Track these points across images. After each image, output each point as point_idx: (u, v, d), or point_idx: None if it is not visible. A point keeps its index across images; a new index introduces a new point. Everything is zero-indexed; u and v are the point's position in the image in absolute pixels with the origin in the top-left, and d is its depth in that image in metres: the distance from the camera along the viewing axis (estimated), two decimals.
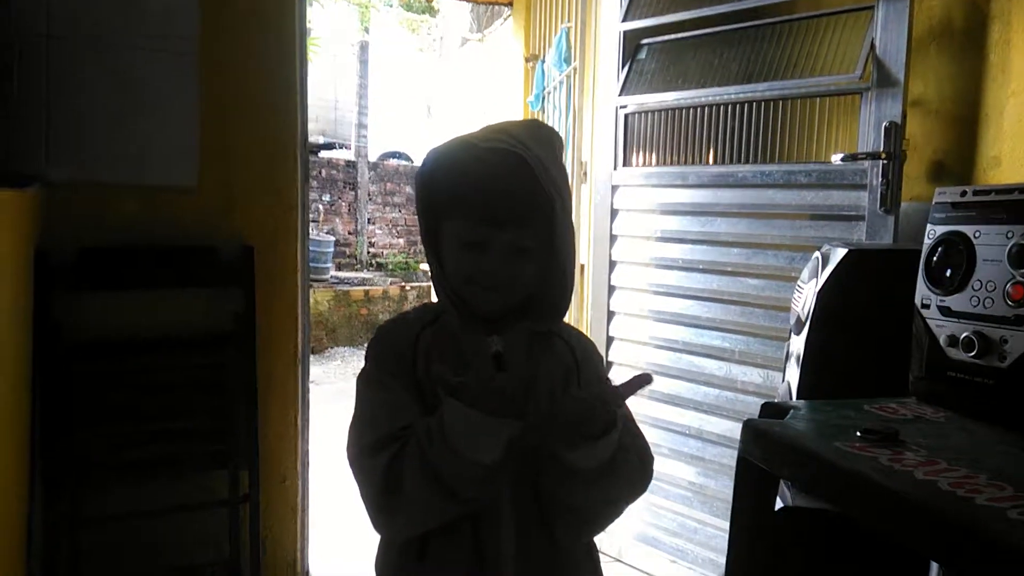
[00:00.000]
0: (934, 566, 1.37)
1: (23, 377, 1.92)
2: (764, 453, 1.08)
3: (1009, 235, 1.08)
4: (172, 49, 2.09)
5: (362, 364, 0.99)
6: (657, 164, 2.53)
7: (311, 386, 2.48)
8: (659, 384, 2.46)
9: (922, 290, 1.22)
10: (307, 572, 2.40)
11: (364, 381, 0.96)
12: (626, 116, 2.59)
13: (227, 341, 2.18)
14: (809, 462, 0.96)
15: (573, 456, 0.87)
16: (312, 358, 6.91)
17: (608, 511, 0.95)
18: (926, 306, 1.20)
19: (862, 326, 1.54)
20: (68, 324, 2.04)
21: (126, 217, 2.11)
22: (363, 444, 0.90)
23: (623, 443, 0.92)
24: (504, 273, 0.92)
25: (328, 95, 12.64)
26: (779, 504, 1.45)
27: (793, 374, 1.68)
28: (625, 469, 0.92)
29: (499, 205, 0.91)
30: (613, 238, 2.61)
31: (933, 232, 1.21)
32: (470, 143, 0.94)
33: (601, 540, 2.74)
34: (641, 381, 0.87)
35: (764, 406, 1.22)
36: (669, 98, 2.44)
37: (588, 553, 1.04)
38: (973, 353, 1.09)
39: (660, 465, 2.36)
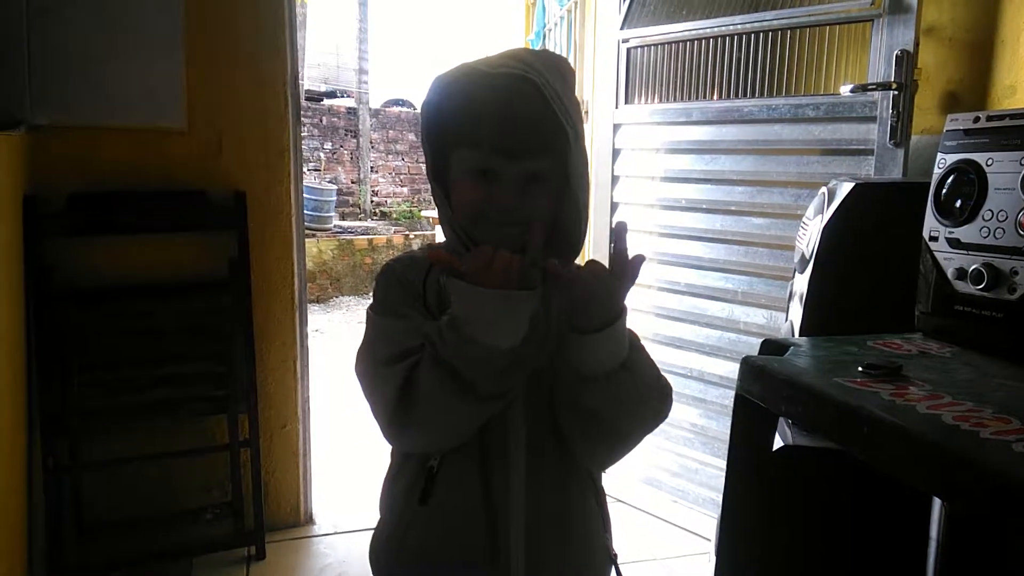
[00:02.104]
0: (936, 503, 1.36)
1: (17, 323, 1.90)
2: (762, 390, 1.05)
3: (1023, 162, 1.03)
4: None
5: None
6: (660, 101, 2.45)
7: (315, 335, 2.47)
8: (661, 326, 2.43)
9: (931, 222, 1.17)
10: (311, 515, 2.42)
11: (375, 309, 0.92)
12: (628, 51, 2.51)
13: (222, 286, 2.16)
14: (808, 398, 0.93)
15: (584, 360, 0.84)
16: (317, 307, 6.95)
17: (626, 421, 0.90)
18: (934, 239, 1.16)
19: (868, 263, 1.50)
20: (60, 270, 2.02)
21: (115, 162, 2.06)
22: (377, 357, 0.86)
23: (635, 361, 0.88)
24: (517, 206, 0.87)
25: (329, 41, 12.41)
26: (779, 444, 1.43)
27: (796, 313, 1.64)
28: (640, 379, 0.88)
29: (511, 133, 0.86)
30: (615, 178, 2.56)
31: (944, 161, 1.16)
32: (479, 69, 0.88)
33: (604, 482, 2.75)
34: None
35: (764, 343, 1.19)
36: (673, 30, 2.35)
37: (599, 500, 1.01)
38: (982, 286, 1.05)
39: None
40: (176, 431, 2.16)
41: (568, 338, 0.85)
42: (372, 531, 1.01)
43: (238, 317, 2.17)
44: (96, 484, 2.10)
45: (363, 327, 0.93)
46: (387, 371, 0.84)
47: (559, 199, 0.91)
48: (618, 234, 0.85)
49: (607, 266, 0.85)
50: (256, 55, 2.16)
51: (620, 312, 0.85)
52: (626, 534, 2.36)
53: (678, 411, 2.38)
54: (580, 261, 0.95)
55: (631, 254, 0.85)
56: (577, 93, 3.08)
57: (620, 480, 2.58)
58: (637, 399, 0.88)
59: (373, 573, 0.99)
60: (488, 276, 0.79)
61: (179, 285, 2.14)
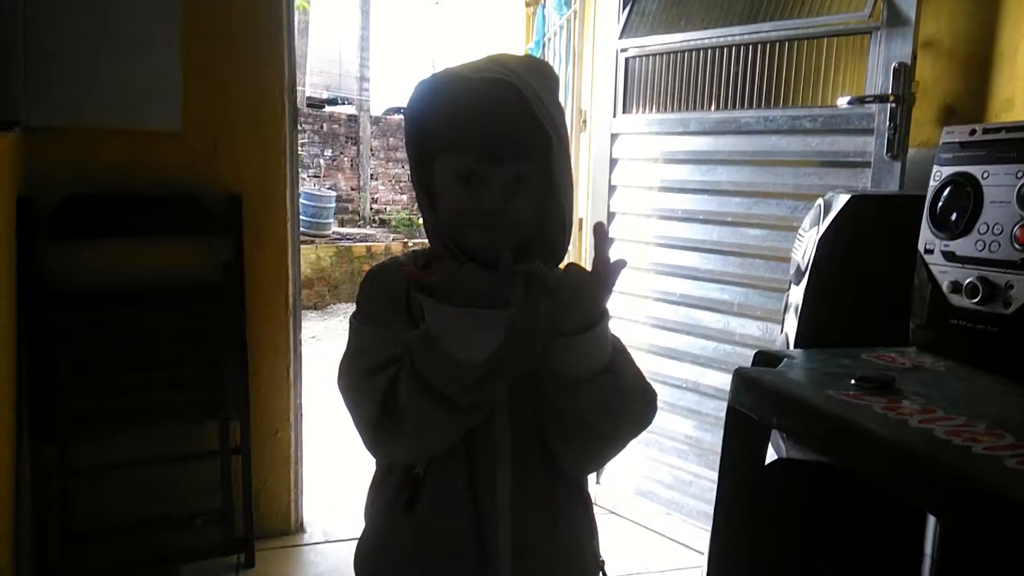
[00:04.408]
0: (931, 519, 1.34)
1: (7, 326, 1.89)
2: (754, 402, 1.04)
3: (1019, 174, 1.02)
4: None
5: None
6: (658, 111, 2.45)
7: (312, 341, 2.46)
8: (657, 337, 2.42)
9: (926, 235, 1.16)
10: (302, 523, 2.40)
11: (358, 317, 0.92)
12: (627, 60, 2.50)
13: (216, 291, 2.14)
14: (800, 411, 0.92)
15: (568, 363, 0.83)
16: (314, 314, 6.94)
17: (610, 425, 0.89)
18: (929, 251, 1.15)
19: (864, 275, 1.49)
20: (53, 273, 2.00)
21: (110, 163, 2.05)
22: (360, 368, 0.86)
23: (618, 364, 0.87)
24: (501, 211, 0.87)
25: (332, 49, 12.45)
26: (774, 456, 1.42)
27: (791, 325, 1.63)
28: (624, 382, 0.88)
29: (496, 137, 0.86)
30: (612, 188, 2.55)
31: (939, 173, 1.15)
32: (463, 74, 0.88)
33: (597, 494, 2.72)
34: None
35: (757, 355, 1.18)
36: (671, 40, 2.35)
37: (585, 507, 1.00)
38: (977, 299, 1.04)
39: (656, 419, 2.34)
40: (167, 436, 2.14)
41: (551, 342, 0.84)
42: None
43: (231, 322, 2.15)
44: (85, 489, 2.07)
45: (349, 320, 0.93)
46: (368, 383, 0.84)
47: (543, 203, 0.91)
48: (598, 237, 0.84)
49: (589, 269, 0.84)
50: (253, 59, 2.15)
51: (603, 314, 0.84)
52: (619, 547, 2.34)
53: (672, 422, 2.37)
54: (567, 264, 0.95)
55: (613, 258, 0.84)
56: (575, 102, 3.07)
57: (613, 492, 2.56)
58: (620, 402, 0.88)
59: None
60: (457, 293, 0.78)
61: (173, 289, 2.12)
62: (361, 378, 0.85)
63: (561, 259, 0.96)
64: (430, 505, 0.89)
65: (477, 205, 0.87)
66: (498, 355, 0.81)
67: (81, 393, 2.02)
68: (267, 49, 2.16)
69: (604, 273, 0.83)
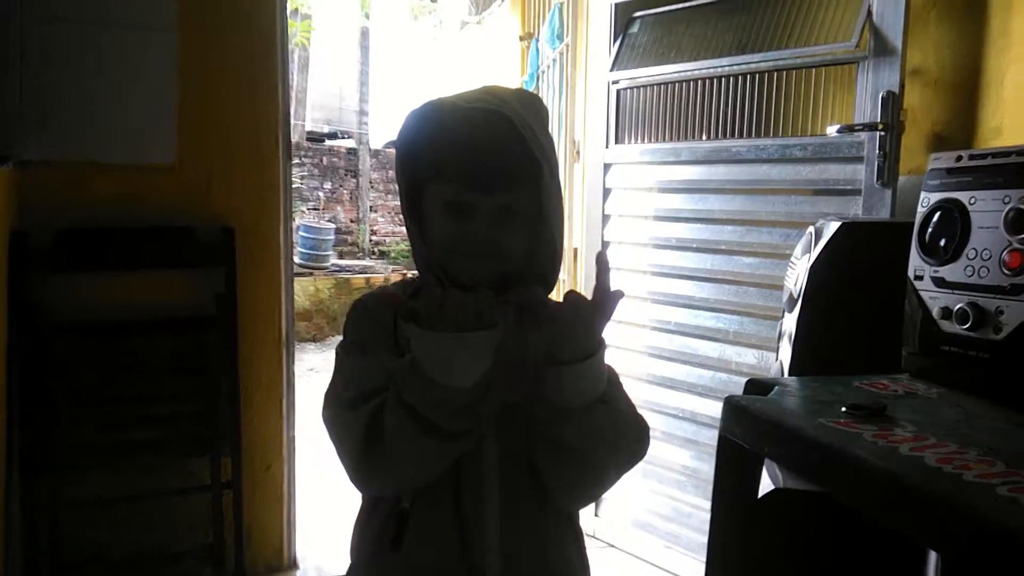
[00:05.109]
0: (932, 552, 1.32)
1: None
2: (744, 431, 1.03)
3: (1006, 200, 1.02)
4: (149, 25, 2.03)
5: None
6: (650, 141, 2.46)
7: (310, 374, 2.44)
8: (653, 367, 2.40)
9: (915, 261, 1.16)
10: (294, 560, 2.36)
11: (344, 349, 0.91)
12: (618, 92, 2.52)
13: (209, 324, 2.14)
14: (790, 439, 0.91)
15: (563, 392, 0.82)
16: (312, 346, 6.90)
17: (603, 455, 0.87)
18: (919, 278, 1.15)
19: (855, 303, 1.48)
20: (45, 305, 2.00)
21: (104, 197, 2.06)
22: (343, 399, 0.85)
23: (612, 395, 0.87)
24: (491, 240, 0.87)
25: (332, 84, 12.58)
26: (770, 486, 1.40)
27: (786, 353, 1.62)
28: (617, 413, 0.87)
29: (485, 166, 0.86)
30: (606, 218, 2.55)
31: (927, 200, 1.15)
32: (455, 103, 0.89)
33: (595, 527, 2.67)
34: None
35: (748, 383, 1.17)
36: (662, 71, 2.37)
37: (576, 537, 0.98)
38: (967, 325, 1.03)
39: (654, 449, 2.32)
40: (158, 470, 2.12)
41: (547, 371, 0.83)
42: None
43: (224, 354, 2.14)
44: (75, 522, 2.04)
45: (336, 351, 0.92)
46: (351, 415, 0.83)
47: (533, 233, 0.90)
48: (600, 266, 0.83)
49: (588, 298, 0.84)
50: (248, 93, 2.17)
51: (600, 344, 0.84)
52: None
53: (670, 453, 2.34)
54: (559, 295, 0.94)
55: (612, 288, 0.83)
56: (568, 133, 3.09)
57: (612, 525, 2.52)
58: (614, 433, 0.87)
59: None
60: (441, 318, 0.78)
61: (166, 321, 2.12)
62: (345, 410, 0.84)
63: (551, 288, 0.95)
64: (417, 539, 0.87)
65: (466, 234, 0.87)
66: (485, 381, 0.80)
67: (73, 425, 2.00)
68: (262, 83, 2.18)
69: (604, 302, 0.82)
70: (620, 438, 0.88)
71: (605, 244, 2.56)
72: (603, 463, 0.89)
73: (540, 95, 3.31)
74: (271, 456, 2.28)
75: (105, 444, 2.03)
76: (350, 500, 0.96)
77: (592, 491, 0.96)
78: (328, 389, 0.88)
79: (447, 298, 0.79)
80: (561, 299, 0.85)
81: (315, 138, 11.38)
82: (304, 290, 7.28)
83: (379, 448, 0.81)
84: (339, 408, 0.85)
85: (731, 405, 1.05)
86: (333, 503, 2.74)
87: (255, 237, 2.20)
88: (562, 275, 2.59)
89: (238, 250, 2.16)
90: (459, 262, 0.88)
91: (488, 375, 0.80)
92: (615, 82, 2.52)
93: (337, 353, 0.91)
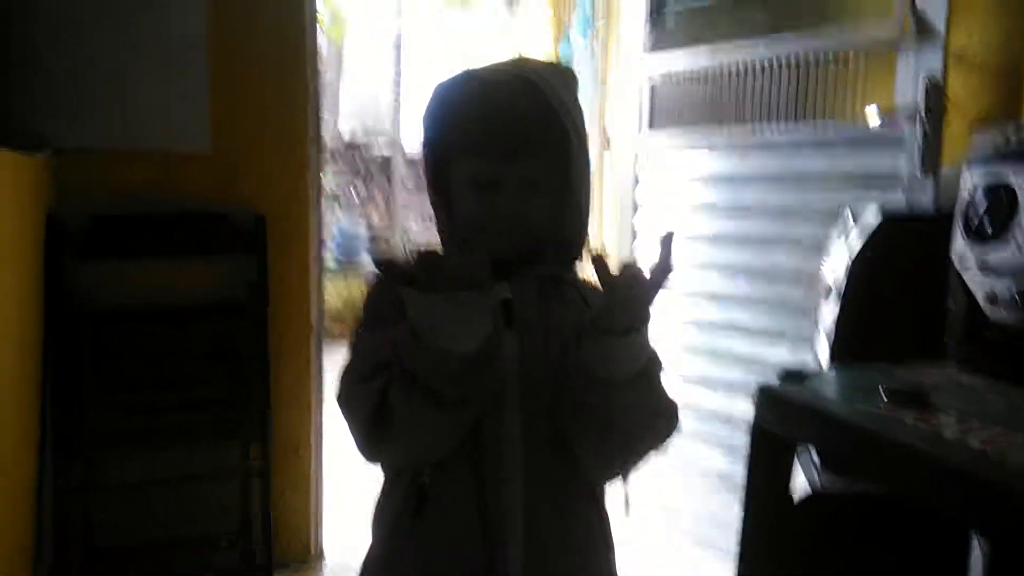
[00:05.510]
0: (976, 552, 1.27)
1: (34, 344, 1.91)
2: (780, 418, 1.00)
3: None
4: (180, 10, 2.05)
5: None
6: (682, 128, 2.42)
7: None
8: (685, 364, 2.36)
9: (959, 245, 1.12)
10: (320, 546, 2.37)
11: (359, 327, 0.90)
12: (650, 77, 2.49)
13: (240, 311, 2.15)
14: (827, 424, 0.88)
15: (607, 363, 0.81)
16: (344, 346, 7.05)
17: (637, 430, 0.86)
18: (963, 262, 1.10)
19: (897, 300, 1.43)
20: (79, 291, 2.02)
21: (139, 184, 2.08)
22: (356, 374, 0.85)
23: (653, 372, 0.85)
24: (517, 214, 0.86)
25: (366, 86, 12.66)
26: (806, 488, 1.35)
27: (823, 348, 1.58)
28: (655, 389, 0.86)
29: (511, 133, 0.85)
30: (636, 206, 2.52)
31: (972, 180, 1.11)
32: (479, 74, 0.89)
33: (625, 528, 2.63)
34: (668, 239, 0.79)
35: (783, 372, 1.14)
36: (696, 55, 2.32)
37: (600, 518, 0.96)
38: (1015, 310, 0.99)
39: (687, 447, 2.27)
40: (188, 456, 2.13)
41: (593, 340, 0.81)
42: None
43: (254, 342, 2.15)
44: (106, 507, 2.07)
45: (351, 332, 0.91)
46: (362, 389, 0.82)
47: (559, 202, 0.89)
48: (666, 244, 0.80)
49: (647, 272, 0.81)
50: (279, 81, 2.18)
51: (648, 317, 0.82)
52: None
53: (701, 452, 2.29)
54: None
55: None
56: (599, 121, 3.04)
57: (643, 526, 2.49)
58: (651, 408, 0.86)
59: None
60: (438, 282, 0.76)
61: (197, 308, 2.13)
62: (355, 386, 0.83)
63: (576, 259, 0.93)
64: (438, 517, 0.86)
65: (493, 211, 0.86)
66: (486, 348, 0.78)
67: (105, 410, 2.03)
68: (292, 72, 2.19)
69: (659, 279, 0.80)
70: (655, 414, 0.87)
71: (634, 233, 2.53)
72: (637, 437, 0.88)
73: None
74: (299, 442, 2.29)
75: (136, 429, 2.05)
76: (376, 493, 0.95)
77: (624, 463, 0.92)
78: (342, 367, 0.87)
79: (443, 261, 0.77)
80: (617, 271, 0.82)
81: (351, 144, 11.52)
82: (337, 291, 7.33)
83: (387, 421, 0.80)
84: (351, 384, 0.85)
85: (766, 393, 1.02)
86: (361, 496, 2.74)
87: (286, 225, 2.21)
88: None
89: (269, 238, 2.16)
90: (486, 238, 0.87)
91: (489, 341, 0.78)
92: (648, 67, 2.47)
93: (352, 334, 0.90)
